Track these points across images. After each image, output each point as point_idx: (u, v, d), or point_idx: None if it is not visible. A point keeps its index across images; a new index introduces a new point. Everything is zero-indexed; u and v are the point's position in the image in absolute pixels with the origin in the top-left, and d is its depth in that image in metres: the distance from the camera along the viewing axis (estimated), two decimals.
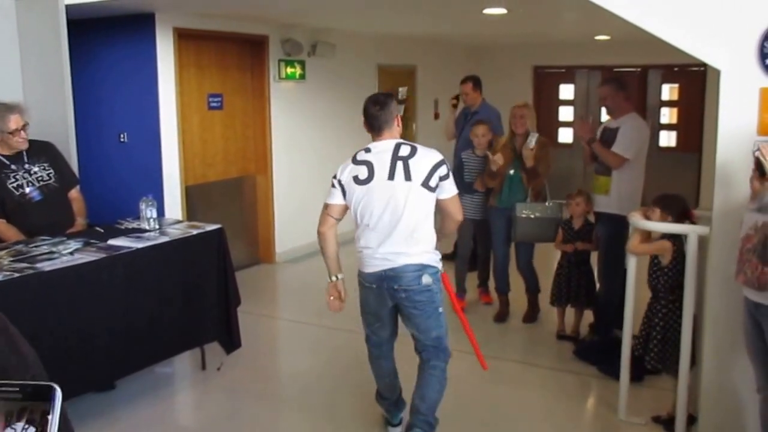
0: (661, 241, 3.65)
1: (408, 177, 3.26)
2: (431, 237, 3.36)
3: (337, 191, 3.40)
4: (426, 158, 3.30)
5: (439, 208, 3.41)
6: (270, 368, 4.83)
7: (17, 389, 0.87)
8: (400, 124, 3.43)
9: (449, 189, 3.35)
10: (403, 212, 3.26)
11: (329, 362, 4.79)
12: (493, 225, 5.37)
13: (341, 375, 4.61)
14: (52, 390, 0.87)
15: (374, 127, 3.37)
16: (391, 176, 3.27)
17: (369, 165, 3.31)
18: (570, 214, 5.01)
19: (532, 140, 4.97)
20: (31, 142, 4.36)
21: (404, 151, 3.30)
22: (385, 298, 3.38)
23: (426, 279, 3.31)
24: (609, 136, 4.73)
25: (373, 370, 3.73)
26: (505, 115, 6.20)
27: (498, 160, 5.05)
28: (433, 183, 3.28)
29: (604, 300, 4.84)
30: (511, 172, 5.10)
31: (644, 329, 3.83)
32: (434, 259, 3.38)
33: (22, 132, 4.14)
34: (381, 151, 3.33)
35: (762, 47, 3.08)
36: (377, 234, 3.31)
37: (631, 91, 10.11)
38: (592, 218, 5.01)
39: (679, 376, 3.52)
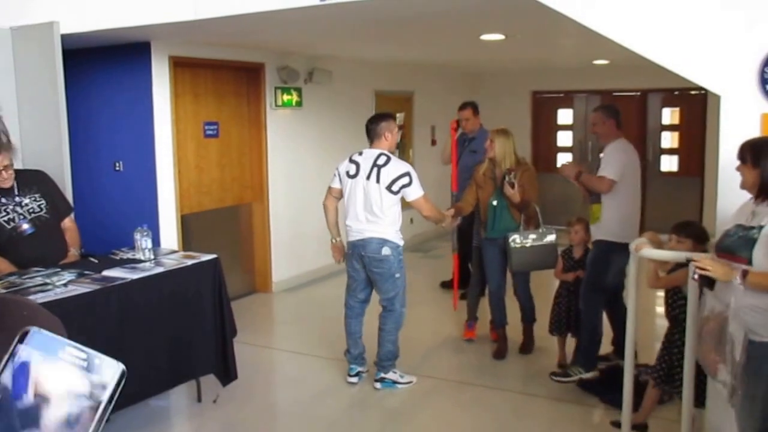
0: (681, 270, 3.54)
1: (378, 180, 4.48)
2: (393, 222, 4.54)
3: (336, 179, 4.72)
4: (394, 169, 4.49)
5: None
6: (267, 400, 4.76)
7: (84, 357, 0.84)
8: (389, 138, 4.59)
9: (411, 194, 4.53)
10: (372, 203, 4.49)
11: (327, 394, 4.72)
12: (486, 255, 5.26)
13: (339, 408, 4.56)
14: (118, 371, 0.82)
15: (368, 137, 4.66)
16: (369, 177, 4.51)
17: (357, 165, 4.57)
18: (570, 243, 4.94)
19: (511, 178, 4.87)
20: (22, 172, 4.33)
21: (381, 160, 4.51)
22: (357, 261, 4.63)
23: (385, 250, 4.51)
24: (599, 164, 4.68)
25: (345, 328, 4.81)
26: None
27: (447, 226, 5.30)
28: (395, 188, 4.48)
29: (589, 329, 4.65)
30: (495, 202, 4.96)
31: (665, 360, 3.76)
32: (395, 236, 4.55)
33: (3, 172, 4.09)
34: (368, 156, 4.57)
35: (762, 73, 3.10)
36: (354, 215, 4.57)
37: (624, 118, 10.15)
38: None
39: (682, 409, 3.45)
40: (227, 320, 4.35)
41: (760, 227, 2.71)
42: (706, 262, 2.71)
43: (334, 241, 4.80)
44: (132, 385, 3.82)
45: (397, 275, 4.57)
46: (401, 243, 4.60)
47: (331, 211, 4.78)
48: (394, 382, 4.67)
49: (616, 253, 4.41)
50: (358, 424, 4.29)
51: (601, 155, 4.84)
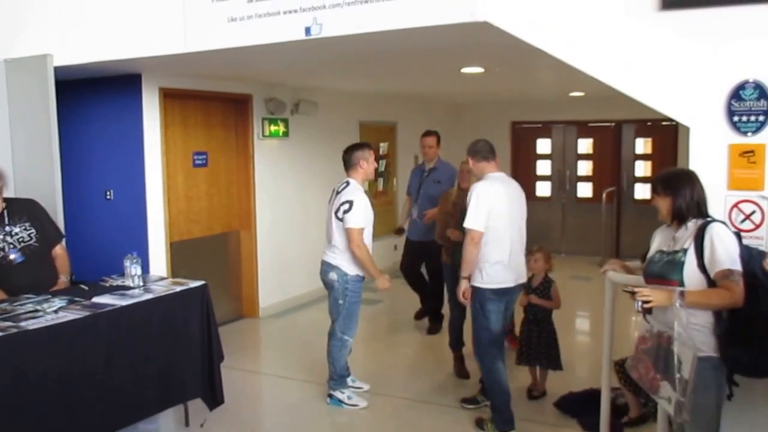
0: None
1: (333, 206, 4.72)
2: (345, 249, 4.67)
3: None
4: (343, 196, 4.67)
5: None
6: (253, 424, 4.79)
7: None
8: (364, 167, 4.76)
9: (347, 221, 4.62)
10: (328, 228, 4.81)
11: (313, 419, 4.78)
12: (448, 283, 5.37)
13: None
14: None
15: (344, 167, 4.84)
16: (330, 202, 4.82)
17: (332, 193, 4.84)
18: (531, 272, 4.84)
19: None
20: (13, 201, 4.36)
21: (340, 188, 4.76)
22: None
23: (332, 275, 4.73)
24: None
25: None
26: None
27: (451, 235, 5.12)
28: (339, 215, 4.65)
29: (494, 387, 4.42)
30: None
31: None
32: (343, 264, 4.69)
33: None
34: (338, 184, 4.81)
35: (729, 105, 3.23)
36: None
37: (599, 148, 10.41)
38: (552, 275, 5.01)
39: (657, 429, 3.58)
40: (215, 345, 4.41)
41: (684, 250, 2.90)
42: (646, 292, 2.84)
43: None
44: (121, 410, 3.87)
45: (341, 301, 4.72)
46: (351, 273, 4.71)
47: None
48: (340, 401, 4.86)
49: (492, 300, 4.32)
50: None
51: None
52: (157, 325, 4.11)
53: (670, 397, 2.85)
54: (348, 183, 4.75)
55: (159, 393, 4.13)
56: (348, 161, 4.80)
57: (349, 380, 5.03)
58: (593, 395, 4.34)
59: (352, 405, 4.85)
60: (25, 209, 4.37)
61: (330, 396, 4.90)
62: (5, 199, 4.26)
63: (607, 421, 3.89)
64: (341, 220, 4.65)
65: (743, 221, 3.21)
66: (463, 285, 4.33)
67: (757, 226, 3.19)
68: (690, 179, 3.03)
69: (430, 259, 6.30)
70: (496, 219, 4.22)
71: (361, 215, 4.64)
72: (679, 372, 2.79)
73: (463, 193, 5.21)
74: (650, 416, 4.19)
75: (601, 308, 3.85)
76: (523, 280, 4.45)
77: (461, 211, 5.04)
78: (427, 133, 6.57)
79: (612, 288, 3.71)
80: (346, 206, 4.63)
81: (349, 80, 7.23)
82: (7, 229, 4.22)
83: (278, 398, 5.24)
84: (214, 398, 4.42)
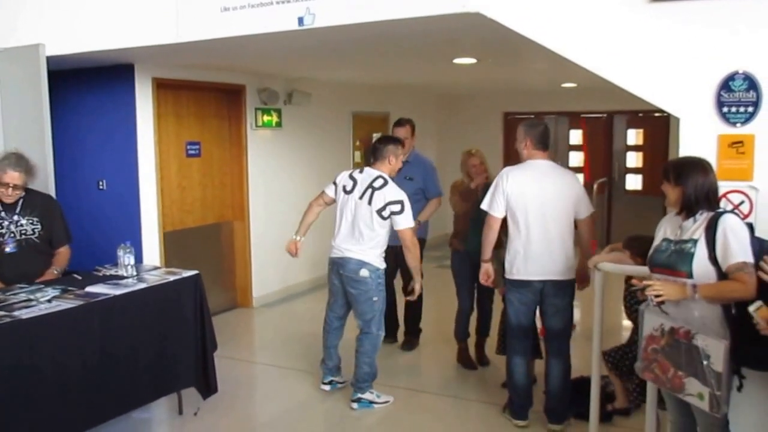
0: None
1: (370, 202, 4.46)
2: (377, 245, 4.49)
3: (332, 188, 4.73)
4: (387, 194, 4.44)
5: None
6: (247, 413, 4.83)
7: None
8: (393, 163, 4.56)
9: (400, 222, 4.45)
10: (358, 222, 4.48)
11: (306, 408, 4.81)
12: (458, 272, 5.26)
13: (318, 421, 4.66)
14: None
15: (372, 156, 4.65)
16: (362, 197, 4.49)
17: (354, 182, 4.57)
18: None
19: None
20: (34, 193, 4.42)
21: (378, 183, 4.48)
22: (336, 277, 4.66)
23: (364, 272, 4.48)
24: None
25: (323, 341, 4.87)
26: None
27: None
28: (385, 214, 4.44)
29: (508, 375, 4.43)
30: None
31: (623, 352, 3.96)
32: (375, 260, 4.51)
33: (9, 189, 4.18)
34: (367, 176, 4.56)
35: (719, 96, 3.26)
36: (339, 232, 4.58)
37: (591, 139, 10.49)
38: None
39: (646, 418, 3.62)
40: (208, 335, 4.43)
41: (694, 241, 2.85)
42: (657, 286, 2.79)
43: (295, 237, 4.84)
44: (115, 398, 3.89)
45: (375, 298, 4.53)
46: (381, 267, 4.56)
47: (312, 212, 4.85)
48: (371, 402, 4.65)
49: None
50: None
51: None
52: (151, 314, 4.12)
53: (701, 393, 2.74)
54: (385, 180, 4.49)
55: (153, 382, 4.16)
56: (379, 152, 4.57)
57: (338, 377, 4.98)
58: (583, 383, 4.36)
59: (383, 403, 4.67)
60: (40, 204, 4.41)
61: (358, 400, 4.64)
62: (27, 190, 4.32)
63: (597, 409, 3.93)
64: (386, 218, 4.44)
65: (732, 211, 3.24)
66: (483, 267, 4.33)
67: (746, 216, 3.22)
68: (703, 169, 2.93)
69: (405, 266, 5.59)
70: (515, 207, 4.06)
71: (411, 214, 4.51)
72: (709, 365, 2.70)
73: (470, 182, 5.17)
74: (638, 406, 4.24)
75: (591, 297, 3.88)
76: (556, 276, 4.08)
77: (475, 200, 4.99)
78: (400, 122, 5.64)
79: (602, 277, 3.74)
80: (398, 207, 4.41)
81: (342, 71, 7.23)
82: (15, 218, 4.27)
83: (271, 387, 5.27)
84: (207, 387, 4.44)
